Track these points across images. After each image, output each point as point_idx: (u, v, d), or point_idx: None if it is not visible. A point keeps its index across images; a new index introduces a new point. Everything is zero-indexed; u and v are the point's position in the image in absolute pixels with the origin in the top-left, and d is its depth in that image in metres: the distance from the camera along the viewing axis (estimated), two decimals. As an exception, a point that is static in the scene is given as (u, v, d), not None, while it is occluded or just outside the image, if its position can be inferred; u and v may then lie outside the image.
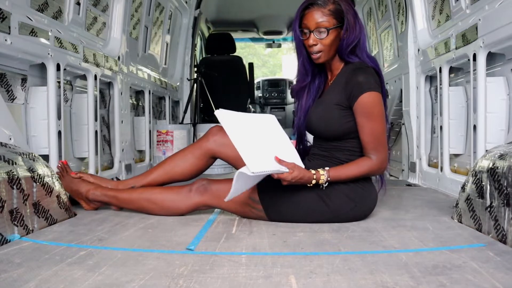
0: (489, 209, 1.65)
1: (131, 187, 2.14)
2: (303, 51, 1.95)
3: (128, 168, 3.34)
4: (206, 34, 6.51)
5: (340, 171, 1.83)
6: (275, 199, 1.89)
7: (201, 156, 2.13)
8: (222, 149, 2.11)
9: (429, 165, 3.12)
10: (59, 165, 2.19)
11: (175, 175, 2.14)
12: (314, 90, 2.02)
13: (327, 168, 1.83)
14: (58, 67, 2.40)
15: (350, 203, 1.87)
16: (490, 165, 1.67)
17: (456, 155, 2.74)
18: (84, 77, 2.79)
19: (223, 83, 5.37)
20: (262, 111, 8.20)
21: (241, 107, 5.83)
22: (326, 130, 1.92)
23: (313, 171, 1.81)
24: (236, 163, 2.15)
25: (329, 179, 1.82)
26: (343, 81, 1.88)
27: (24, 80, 2.32)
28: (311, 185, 1.82)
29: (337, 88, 1.90)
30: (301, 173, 1.77)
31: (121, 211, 2.13)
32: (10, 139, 1.94)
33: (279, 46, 7.90)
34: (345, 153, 1.91)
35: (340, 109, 1.87)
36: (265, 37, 7.46)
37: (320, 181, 1.81)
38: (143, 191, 2.07)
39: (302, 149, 2.09)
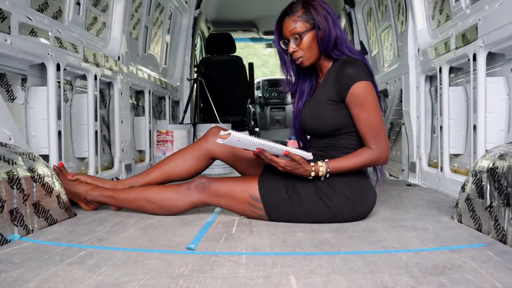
0: (489, 209, 1.65)
1: (130, 187, 2.14)
2: (286, 61, 2.03)
3: (128, 168, 3.34)
4: (206, 34, 6.51)
5: (340, 162, 1.86)
6: (275, 198, 1.89)
7: (200, 157, 2.13)
8: (221, 149, 2.10)
9: (429, 165, 3.12)
10: (55, 168, 2.13)
11: (173, 175, 2.14)
12: (306, 92, 2.06)
13: (326, 160, 1.86)
14: (58, 67, 2.40)
15: (349, 203, 1.87)
16: (490, 165, 1.67)
17: (456, 155, 2.74)
18: (84, 77, 2.79)
19: (223, 83, 5.37)
20: (262, 111, 8.22)
21: (241, 107, 5.83)
22: (319, 126, 1.93)
23: (312, 164, 1.84)
24: (235, 164, 2.15)
25: (328, 170, 1.84)
26: (333, 76, 1.91)
27: (24, 80, 2.32)
28: (311, 177, 1.84)
29: (327, 85, 1.93)
30: (297, 164, 1.80)
31: (120, 211, 2.13)
32: (10, 139, 1.94)
33: (279, 46, 7.89)
34: (341, 151, 1.91)
35: (332, 104, 1.89)
36: (265, 37, 7.46)
37: (320, 173, 1.84)
38: (141, 190, 2.06)
39: (303, 148, 2.10)
